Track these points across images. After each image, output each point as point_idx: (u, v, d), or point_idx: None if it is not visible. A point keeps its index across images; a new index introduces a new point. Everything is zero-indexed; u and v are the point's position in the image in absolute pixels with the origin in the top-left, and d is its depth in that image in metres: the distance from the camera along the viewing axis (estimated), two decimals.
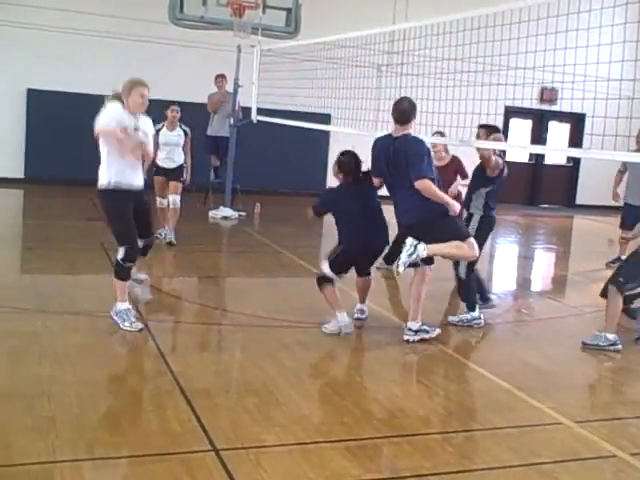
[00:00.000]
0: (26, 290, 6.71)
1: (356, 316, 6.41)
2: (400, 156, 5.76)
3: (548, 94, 16.73)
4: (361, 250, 6.20)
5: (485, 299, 7.04)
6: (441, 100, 8.01)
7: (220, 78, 12.47)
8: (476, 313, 6.64)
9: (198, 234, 10.27)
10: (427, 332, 5.95)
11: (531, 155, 18.23)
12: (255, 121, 11.21)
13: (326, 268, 6.07)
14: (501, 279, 9.69)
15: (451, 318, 6.67)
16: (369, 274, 6.48)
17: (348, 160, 6.18)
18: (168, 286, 7.36)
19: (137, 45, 13.74)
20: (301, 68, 10.20)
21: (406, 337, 5.88)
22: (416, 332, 5.87)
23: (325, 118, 11.36)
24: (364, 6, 14.72)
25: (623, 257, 9.28)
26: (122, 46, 13.72)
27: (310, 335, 5.98)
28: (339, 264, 6.13)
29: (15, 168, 13.84)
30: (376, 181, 6.14)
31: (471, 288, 6.71)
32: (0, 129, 13.77)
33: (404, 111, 5.82)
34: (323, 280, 6.11)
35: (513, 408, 4.81)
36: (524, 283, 9.57)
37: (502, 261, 11.27)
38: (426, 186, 5.68)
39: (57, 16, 13.32)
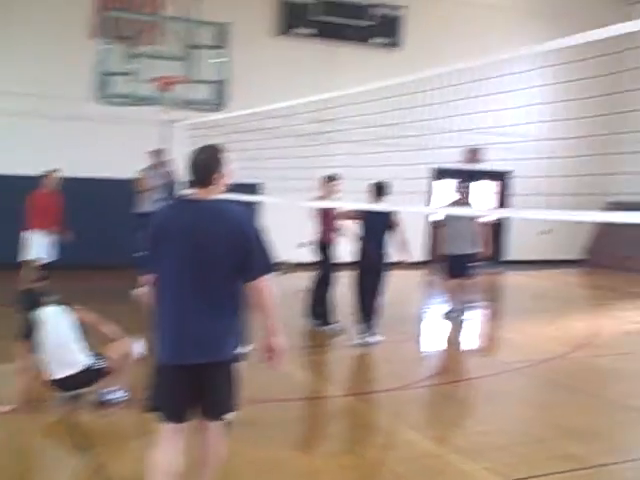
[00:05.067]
0: None
1: None
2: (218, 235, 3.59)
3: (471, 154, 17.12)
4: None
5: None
6: (366, 167, 8.20)
7: (155, 153, 12.05)
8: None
9: None
10: None
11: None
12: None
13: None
14: (432, 339, 9.65)
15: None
16: None
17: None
18: None
19: (63, 124, 13.49)
20: (231, 140, 10.26)
21: None
22: None
23: (255, 188, 11.44)
24: (291, 76, 14.90)
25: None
26: (47, 125, 13.41)
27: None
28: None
29: None
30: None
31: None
32: None
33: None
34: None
35: (442, 471, 4.81)
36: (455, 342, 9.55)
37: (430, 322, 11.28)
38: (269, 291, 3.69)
39: None
